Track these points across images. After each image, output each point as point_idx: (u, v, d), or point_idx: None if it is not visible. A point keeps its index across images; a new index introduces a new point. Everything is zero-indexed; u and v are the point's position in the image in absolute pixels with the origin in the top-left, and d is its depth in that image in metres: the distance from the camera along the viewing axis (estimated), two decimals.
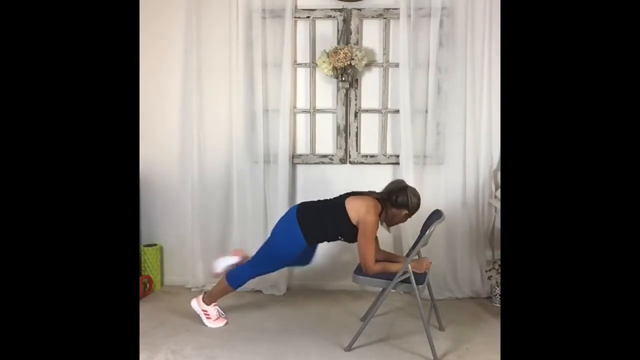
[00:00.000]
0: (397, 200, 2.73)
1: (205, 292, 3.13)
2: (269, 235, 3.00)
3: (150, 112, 3.52)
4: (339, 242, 2.91)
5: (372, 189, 2.87)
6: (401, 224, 3.30)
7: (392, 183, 2.87)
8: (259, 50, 3.40)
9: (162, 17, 3.52)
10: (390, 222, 2.85)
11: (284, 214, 2.96)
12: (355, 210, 2.72)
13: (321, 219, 2.79)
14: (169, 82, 3.57)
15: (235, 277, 2.96)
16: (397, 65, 3.41)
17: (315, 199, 2.94)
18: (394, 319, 3.17)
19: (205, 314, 3.04)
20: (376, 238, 2.82)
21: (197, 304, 3.07)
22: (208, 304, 3.04)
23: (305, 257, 3.00)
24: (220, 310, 3.08)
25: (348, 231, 2.74)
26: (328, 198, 2.90)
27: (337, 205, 2.78)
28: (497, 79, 3.31)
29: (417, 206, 2.76)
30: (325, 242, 2.97)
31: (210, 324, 3.03)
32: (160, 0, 3.51)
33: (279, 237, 2.87)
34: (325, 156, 3.58)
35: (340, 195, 2.86)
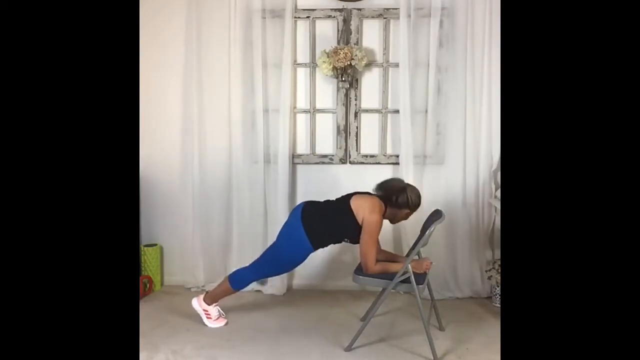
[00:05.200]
0: (397, 201, 2.74)
1: (206, 292, 3.13)
2: (269, 235, 2.99)
3: (150, 112, 3.51)
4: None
5: (372, 190, 2.87)
6: (402, 224, 3.30)
7: (390, 181, 2.87)
8: (259, 50, 3.40)
9: (161, 17, 3.51)
10: (392, 220, 2.88)
11: (289, 214, 2.95)
12: (361, 208, 2.72)
13: (327, 222, 2.78)
14: (169, 82, 3.57)
15: (238, 278, 2.96)
16: (397, 65, 3.41)
17: (315, 199, 2.94)
18: (394, 319, 3.17)
19: (205, 314, 3.04)
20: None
21: (197, 304, 3.07)
22: (209, 304, 3.04)
23: None
24: (220, 310, 3.08)
25: (354, 231, 2.74)
26: (330, 199, 2.90)
27: (341, 205, 2.77)
28: (497, 79, 3.31)
29: (418, 204, 2.78)
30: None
31: (210, 323, 3.03)
32: (160, 0, 3.51)
33: (284, 242, 2.86)
34: (325, 156, 3.58)
35: (344, 196, 2.85)
